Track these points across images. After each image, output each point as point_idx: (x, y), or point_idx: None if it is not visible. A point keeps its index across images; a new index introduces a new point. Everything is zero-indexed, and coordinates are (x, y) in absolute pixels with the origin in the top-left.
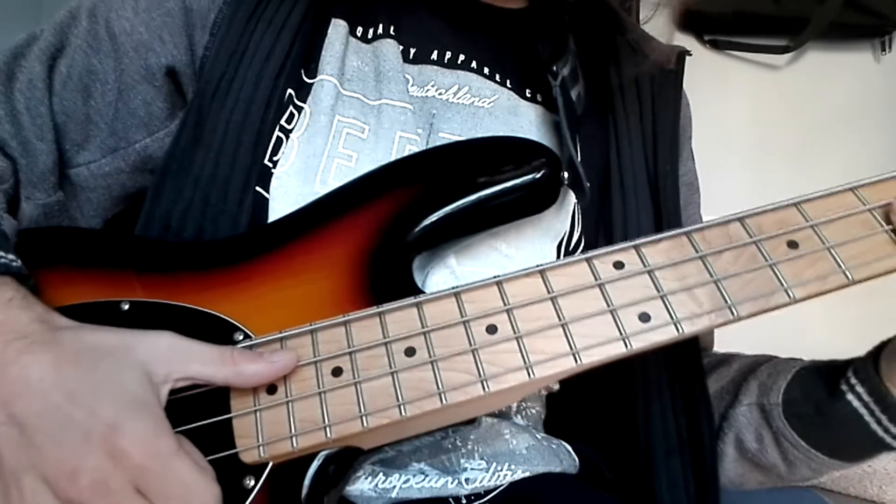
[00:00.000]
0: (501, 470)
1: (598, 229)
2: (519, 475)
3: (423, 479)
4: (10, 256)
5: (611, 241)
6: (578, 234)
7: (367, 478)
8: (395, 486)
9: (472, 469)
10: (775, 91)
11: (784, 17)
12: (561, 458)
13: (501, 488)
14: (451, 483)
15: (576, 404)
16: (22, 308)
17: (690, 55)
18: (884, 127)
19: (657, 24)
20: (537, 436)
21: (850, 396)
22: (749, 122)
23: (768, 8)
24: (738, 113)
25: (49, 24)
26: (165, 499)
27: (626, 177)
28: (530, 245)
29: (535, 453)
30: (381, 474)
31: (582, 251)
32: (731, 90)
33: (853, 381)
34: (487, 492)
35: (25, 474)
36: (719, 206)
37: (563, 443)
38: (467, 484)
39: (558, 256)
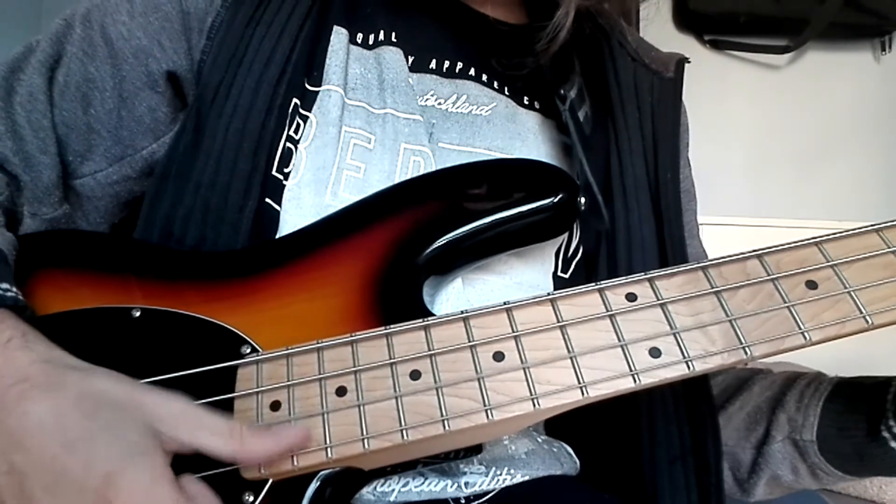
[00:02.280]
0: (501, 474)
1: (599, 236)
2: (518, 479)
3: (423, 483)
4: (5, 286)
5: (612, 248)
6: (577, 241)
7: None
8: (393, 490)
9: (471, 473)
10: (775, 91)
11: (784, 17)
12: (562, 461)
13: (501, 489)
14: (451, 487)
15: (578, 408)
16: (21, 348)
17: (689, 62)
18: (883, 127)
19: (657, 24)
20: (538, 439)
21: (893, 444)
22: (749, 122)
23: (768, 8)
24: (739, 112)
25: (45, 34)
26: None
27: (627, 183)
28: (528, 251)
29: (534, 457)
30: (379, 478)
31: (581, 258)
32: (732, 90)
33: None
34: (487, 493)
35: None
36: (720, 205)
37: (565, 445)
38: (467, 488)
39: (557, 263)
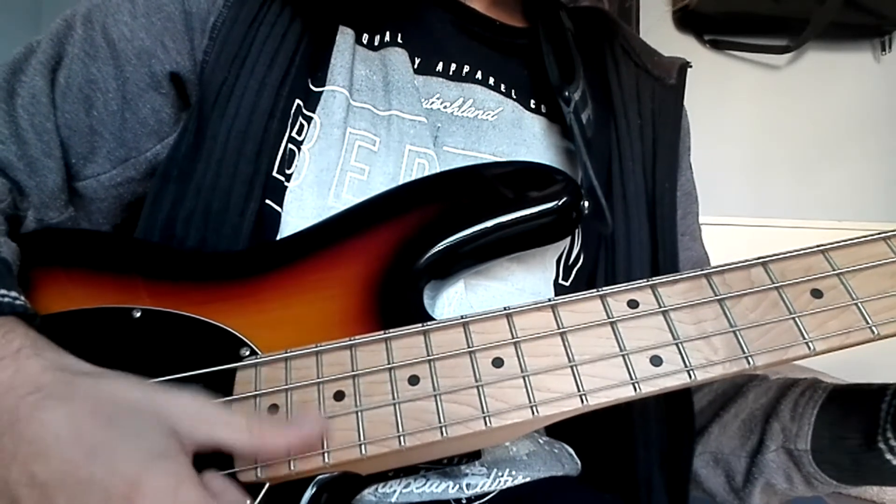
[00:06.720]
0: (502, 475)
1: (600, 244)
2: (520, 480)
3: (424, 484)
4: (13, 294)
5: (612, 256)
6: (578, 248)
7: None
8: (395, 491)
9: (472, 474)
10: (775, 91)
11: (784, 17)
12: (563, 462)
13: (502, 490)
14: (452, 488)
15: None
16: (32, 357)
17: (691, 67)
18: (883, 127)
19: (657, 24)
20: (539, 440)
21: (888, 456)
22: (749, 122)
23: (768, 8)
24: (739, 112)
25: (45, 35)
26: None
27: (628, 188)
28: (530, 257)
29: (536, 459)
30: (378, 482)
31: (581, 266)
32: (732, 90)
33: (893, 442)
34: (488, 494)
35: None
36: (720, 205)
37: (566, 446)
38: (468, 489)
39: (558, 271)
